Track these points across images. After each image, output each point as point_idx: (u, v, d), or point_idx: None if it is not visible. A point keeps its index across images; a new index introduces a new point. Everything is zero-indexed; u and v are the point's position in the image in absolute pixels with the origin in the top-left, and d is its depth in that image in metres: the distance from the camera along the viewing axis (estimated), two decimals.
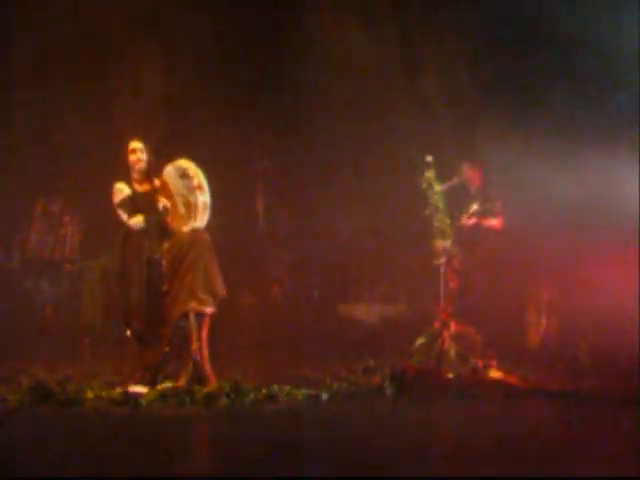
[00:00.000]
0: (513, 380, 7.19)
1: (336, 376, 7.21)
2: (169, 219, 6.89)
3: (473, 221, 8.04)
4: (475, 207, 8.08)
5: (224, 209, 7.41)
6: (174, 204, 6.89)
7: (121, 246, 6.94)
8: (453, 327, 7.51)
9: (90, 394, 6.40)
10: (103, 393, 6.45)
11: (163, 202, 6.86)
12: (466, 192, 8.30)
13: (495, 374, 7.29)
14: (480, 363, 7.36)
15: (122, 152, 7.00)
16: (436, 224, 7.57)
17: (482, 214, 8.15)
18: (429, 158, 7.48)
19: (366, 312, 10.03)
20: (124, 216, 6.89)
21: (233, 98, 10.03)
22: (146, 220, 6.85)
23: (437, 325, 7.55)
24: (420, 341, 7.53)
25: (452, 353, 7.40)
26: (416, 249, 8.25)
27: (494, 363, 7.42)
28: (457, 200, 8.08)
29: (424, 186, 7.54)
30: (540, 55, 8.95)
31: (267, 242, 10.47)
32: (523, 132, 8.66)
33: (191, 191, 6.83)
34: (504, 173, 8.56)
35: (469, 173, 8.31)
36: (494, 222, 8.11)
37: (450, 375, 7.23)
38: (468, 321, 7.66)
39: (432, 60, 9.44)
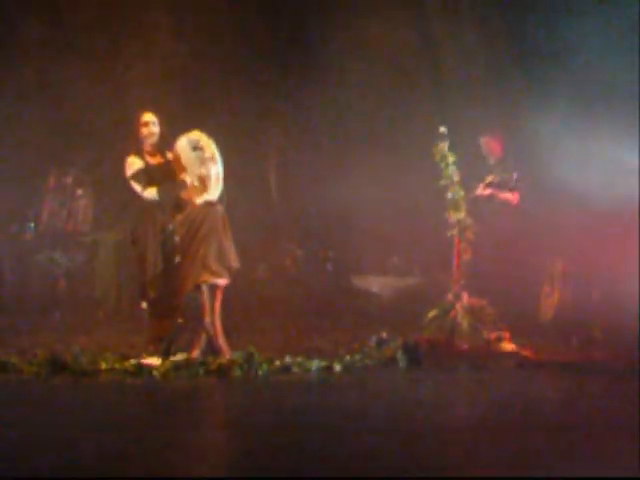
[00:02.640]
0: (526, 352, 7.19)
1: (349, 348, 7.22)
2: (182, 191, 6.90)
3: (488, 192, 8.00)
4: (490, 178, 8.03)
5: (237, 181, 7.39)
6: (187, 176, 6.88)
7: (135, 218, 6.95)
8: (466, 299, 7.48)
9: (104, 366, 6.44)
10: (117, 365, 6.48)
11: (182, 176, 6.85)
12: (484, 163, 8.27)
13: (508, 346, 7.29)
14: (493, 335, 7.35)
15: (135, 124, 6.99)
16: (450, 196, 7.54)
17: (498, 186, 8.11)
18: (443, 129, 7.43)
19: (379, 284, 10.02)
20: (138, 188, 6.89)
21: (246, 68, 10.00)
22: (160, 192, 6.85)
23: (450, 297, 7.53)
24: (433, 313, 7.52)
25: (465, 325, 7.39)
26: (430, 221, 8.22)
27: (507, 335, 7.40)
28: (475, 171, 8.05)
29: (438, 158, 7.50)
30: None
31: (280, 214, 10.46)
32: (543, 106, 8.62)
33: (204, 163, 6.82)
34: (523, 147, 8.53)
35: (489, 144, 8.28)
36: (509, 195, 8.07)
37: (463, 347, 7.23)
38: (481, 293, 7.64)
39: (448, 32, 9.40)
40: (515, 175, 8.06)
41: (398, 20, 9.59)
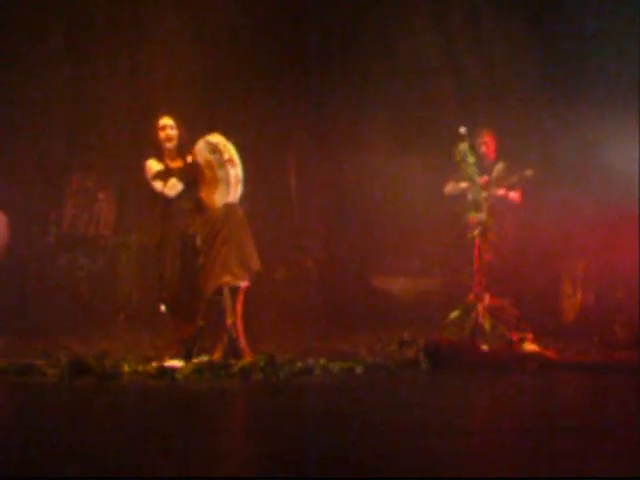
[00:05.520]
0: (548, 353, 7.15)
1: (370, 349, 7.21)
2: (202, 194, 6.91)
3: (502, 192, 7.97)
4: (524, 173, 7.89)
5: (258, 183, 7.41)
6: (206, 179, 6.90)
7: (156, 221, 6.97)
8: (487, 300, 7.46)
9: (127, 368, 6.46)
10: (139, 367, 6.51)
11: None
12: (482, 164, 8.21)
13: (530, 347, 7.25)
14: (515, 336, 7.32)
15: (155, 128, 7.01)
16: (470, 196, 7.52)
17: (509, 186, 8.07)
18: (463, 129, 7.40)
19: (400, 285, 10.01)
20: (159, 186, 6.89)
21: (266, 70, 10.01)
22: (180, 181, 6.83)
23: (471, 298, 7.50)
24: (454, 314, 7.49)
25: (487, 326, 7.36)
26: (450, 222, 8.19)
27: (529, 336, 7.37)
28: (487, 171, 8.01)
29: (458, 158, 7.47)
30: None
31: (301, 216, 10.46)
32: (548, 105, 8.60)
33: (223, 165, 6.83)
34: (534, 147, 8.50)
35: (485, 146, 8.19)
36: (514, 195, 8.03)
37: (485, 348, 7.20)
38: (503, 294, 7.62)
39: (467, 30, 9.38)
40: (520, 174, 7.99)
41: (420, 20, 9.57)
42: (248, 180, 6.89)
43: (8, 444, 4.38)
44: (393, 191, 9.67)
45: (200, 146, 6.94)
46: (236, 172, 6.82)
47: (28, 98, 9.99)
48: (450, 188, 7.86)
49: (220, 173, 6.83)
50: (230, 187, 6.81)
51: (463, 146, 7.44)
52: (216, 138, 6.91)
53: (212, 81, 9.91)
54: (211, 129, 7.03)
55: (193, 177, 6.89)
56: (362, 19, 9.81)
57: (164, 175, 6.88)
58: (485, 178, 7.64)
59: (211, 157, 6.88)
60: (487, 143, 8.07)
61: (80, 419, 5.07)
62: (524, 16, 9.25)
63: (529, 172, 7.68)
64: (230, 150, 6.85)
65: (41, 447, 4.30)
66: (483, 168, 7.73)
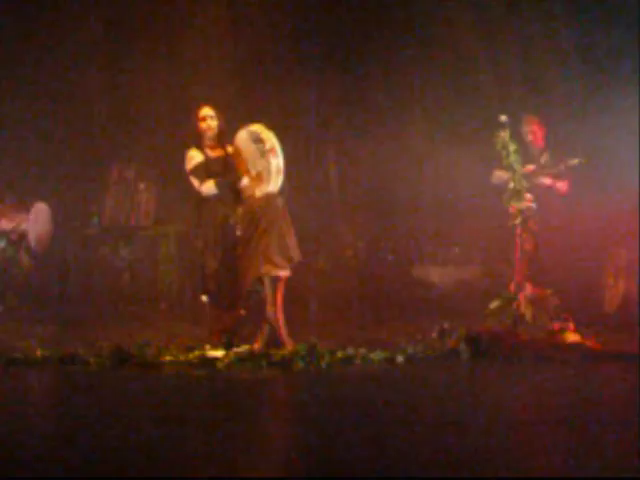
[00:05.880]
0: (590, 343, 7.08)
1: (411, 339, 7.20)
2: (243, 184, 6.94)
3: (549, 182, 7.89)
4: (571, 162, 7.81)
5: (298, 173, 7.41)
6: (247, 169, 6.92)
7: (196, 212, 7.01)
8: (529, 289, 7.40)
9: (168, 357, 6.51)
10: (181, 357, 6.55)
11: (239, 172, 6.89)
12: (529, 152, 8.14)
13: (572, 337, 7.18)
14: (556, 326, 7.26)
15: (195, 118, 7.04)
16: (511, 185, 7.46)
17: (556, 175, 8.00)
18: (503, 118, 7.34)
19: (440, 275, 9.98)
20: (196, 183, 6.95)
21: (305, 61, 10.01)
22: (217, 185, 6.89)
23: (512, 287, 7.45)
24: (495, 304, 7.44)
25: (528, 316, 7.31)
26: (491, 210, 8.14)
27: (571, 326, 7.30)
28: (529, 160, 7.95)
29: (498, 147, 7.42)
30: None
31: (340, 205, 10.46)
32: (595, 93, 8.50)
33: (264, 155, 6.84)
34: (581, 135, 8.41)
35: (531, 133, 8.13)
36: (561, 184, 7.95)
37: (526, 338, 7.15)
38: (544, 283, 7.55)
39: (506, 22, 9.31)
40: (566, 163, 7.91)
41: (460, 6, 9.50)
42: (288, 170, 6.90)
43: (52, 431, 4.44)
44: (433, 179, 9.63)
45: (242, 136, 6.95)
46: (277, 162, 6.83)
47: (68, 91, 10.09)
48: (496, 177, 7.80)
49: (262, 163, 6.85)
50: (271, 177, 6.83)
51: (504, 134, 7.39)
52: (258, 128, 6.93)
53: (252, 71, 9.93)
54: (251, 119, 7.05)
55: (233, 167, 6.92)
56: (401, 6, 9.75)
57: (203, 168, 6.92)
58: (531, 167, 7.58)
59: (253, 147, 6.89)
60: (534, 131, 8.00)
61: (124, 408, 5.11)
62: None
63: (575, 161, 7.60)
64: (272, 140, 6.86)
65: (84, 434, 4.35)
66: (530, 156, 7.67)
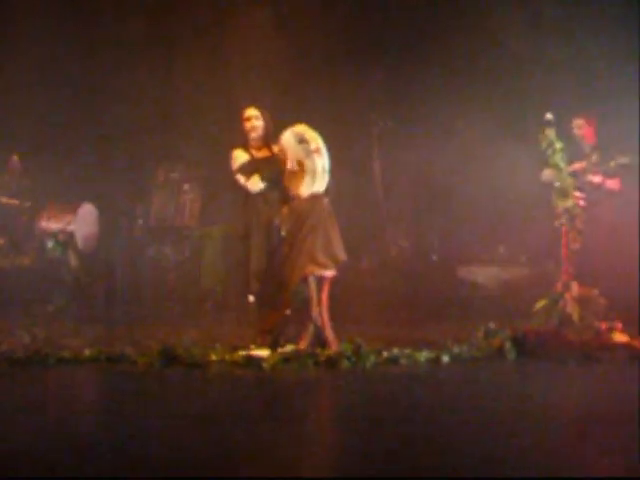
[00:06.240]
0: (637, 343, 6.99)
1: (456, 339, 7.17)
2: (288, 184, 6.96)
3: (598, 180, 7.81)
4: (582, 164, 7.76)
5: (342, 173, 7.41)
6: (293, 169, 6.94)
7: (242, 212, 7.05)
8: (575, 289, 7.32)
9: (214, 357, 6.54)
10: (227, 356, 6.58)
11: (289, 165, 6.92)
12: (579, 150, 8.06)
13: (619, 337, 7.10)
14: (604, 326, 7.18)
15: (240, 119, 7.08)
16: (557, 183, 7.40)
17: (605, 173, 7.91)
18: (549, 116, 7.28)
19: (485, 274, 9.92)
20: (242, 180, 6.97)
21: (348, 59, 10.02)
22: (264, 180, 6.90)
23: (559, 287, 7.38)
24: (541, 303, 7.38)
25: (575, 316, 7.23)
26: (536, 209, 8.08)
27: (618, 326, 7.21)
28: (577, 158, 7.87)
29: (544, 145, 7.35)
30: None
31: (385, 205, 10.45)
32: None
33: (309, 155, 6.86)
34: (628, 133, 8.30)
35: (582, 129, 8.05)
36: (612, 182, 7.85)
37: (573, 338, 7.08)
38: (591, 283, 7.48)
39: (556, 19, 9.23)
40: (616, 161, 7.81)
41: (508, 6, 9.44)
42: (333, 170, 6.90)
43: (100, 431, 4.49)
44: (480, 178, 9.57)
45: (287, 136, 6.98)
46: (323, 162, 6.84)
47: (115, 92, 10.21)
48: (546, 175, 7.72)
49: (308, 163, 6.87)
50: (316, 177, 6.83)
51: (549, 132, 7.32)
52: (303, 128, 6.95)
53: (296, 71, 9.96)
54: (296, 119, 7.07)
55: (279, 168, 6.95)
56: (446, 5, 9.72)
57: (249, 167, 6.95)
58: (579, 165, 7.51)
59: (298, 147, 6.91)
60: (583, 127, 7.92)
61: (177, 407, 5.15)
62: None
63: (626, 159, 7.51)
64: (317, 140, 6.87)
65: (136, 434, 4.39)
66: (581, 154, 7.59)
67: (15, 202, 10.25)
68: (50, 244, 9.89)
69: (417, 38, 9.94)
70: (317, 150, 6.83)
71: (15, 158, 10.41)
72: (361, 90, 10.14)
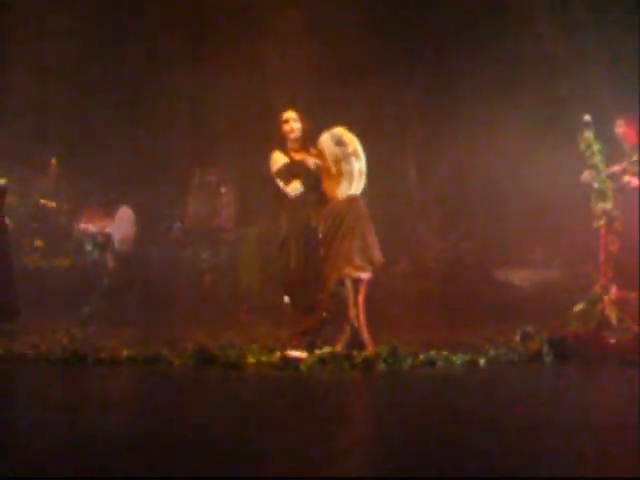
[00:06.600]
0: None
1: (493, 342, 7.13)
2: (325, 186, 6.97)
3: (636, 182, 7.72)
4: (623, 166, 7.68)
5: (378, 175, 7.40)
6: (330, 171, 6.95)
7: (279, 214, 7.07)
8: (614, 292, 7.26)
9: (251, 358, 6.56)
10: (263, 358, 6.59)
11: (314, 160, 6.92)
12: (620, 150, 7.98)
13: None
14: None
15: (278, 121, 7.11)
16: (596, 185, 7.33)
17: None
18: (588, 117, 7.22)
19: (522, 276, 9.87)
20: (281, 184, 7.00)
21: (383, 62, 10.01)
22: (304, 184, 6.92)
23: (597, 290, 7.32)
24: (579, 306, 7.32)
25: (613, 319, 7.17)
26: (574, 211, 8.02)
27: None
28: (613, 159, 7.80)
29: (583, 147, 7.30)
30: None
31: (421, 207, 10.43)
32: None
33: (347, 158, 6.86)
34: None
35: (624, 129, 7.97)
36: None
37: (611, 341, 7.01)
38: (630, 285, 7.40)
39: (594, 21, 9.17)
40: None
41: (546, 10, 9.39)
42: (369, 171, 6.90)
43: (141, 431, 4.52)
44: (516, 180, 9.52)
45: (325, 139, 6.99)
46: (360, 165, 6.85)
47: (152, 95, 10.29)
48: (586, 176, 7.65)
49: (345, 166, 6.87)
50: (353, 179, 6.84)
51: (588, 134, 7.27)
52: (340, 130, 6.96)
53: (333, 74, 9.97)
54: (333, 122, 7.08)
55: (316, 170, 6.95)
56: (484, 8, 9.68)
57: (288, 170, 6.97)
58: (617, 167, 7.44)
59: (336, 150, 6.92)
60: (624, 128, 7.85)
61: (211, 407, 5.17)
62: None
63: None
64: (355, 143, 6.88)
65: (174, 433, 4.41)
66: (623, 155, 7.52)
67: (54, 204, 10.38)
68: (88, 246, 10.00)
69: (454, 40, 9.91)
70: (355, 153, 6.84)
71: (54, 161, 10.54)
72: (398, 92, 10.13)
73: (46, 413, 4.86)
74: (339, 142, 6.90)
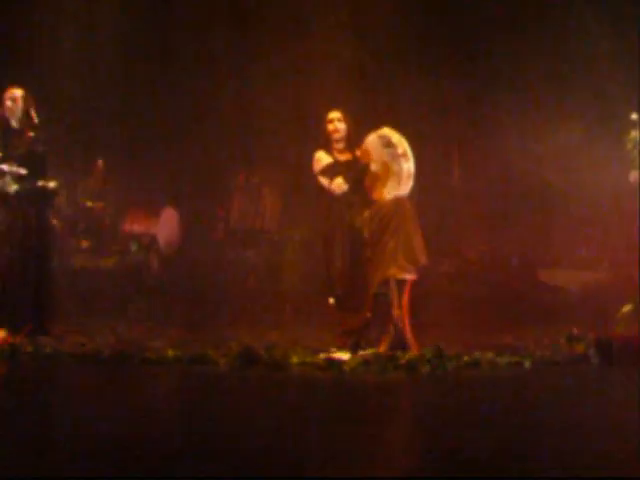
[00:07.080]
0: None
1: (538, 344, 7.08)
2: (370, 187, 6.96)
3: None
4: None
5: (423, 175, 7.38)
6: (376, 172, 6.95)
7: (323, 214, 7.08)
8: None
9: (295, 359, 6.58)
10: (307, 358, 6.60)
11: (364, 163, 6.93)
12: None
13: None
14: None
15: (322, 122, 7.12)
16: None
17: None
18: (635, 116, 7.14)
19: (567, 278, 9.78)
20: (325, 182, 7.00)
21: (428, 63, 9.98)
22: (347, 180, 6.91)
23: None
24: (627, 308, 7.25)
25: None
26: (621, 212, 7.92)
27: None
28: None
29: (629, 147, 7.22)
30: None
31: (465, 208, 10.38)
32: None
33: (395, 159, 6.86)
34: None
35: None
36: None
37: None
38: None
39: (636, 18, 9.05)
40: None
41: (589, 6, 9.30)
42: (417, 173, 6.89)
43: (185, 430, 4.55)
44: (561, 181, 9.44)
45: (372, 139, 6.99)
46: (409, 166, 6.84)
47: (195, 97, 10.36)
48: (633, 176, 7.56)
49: (393, 167, 6.87)
50: (402, 181, 6.83)
51: (634, 134, 7.19)
52: (388, 132, 6.95)
53: (378, 74, 9.97)
54: (378, 122, 7.08)
55: (361, 170, 6.96)
56: (528, 6, 9.61)
57: (332, 170, 6.98)
58: None
59: (384, 151, 6.92)
60: None
61: (256, 408, 5.19)
62: None
63: None
64: (404, 144, 6.87)
65: (220, 434, 4.44)
66: None
67: (100, 205, 10.49)
68: (133, 247, 10.09)
69: (499, 40, 9.85)
70: (404, 154, 6.83)
71: (99, 162, 10.65)
72: (442, 93, 10.08)
73: (94, 412, 4.91)
74: (388, 143, 6.90)
